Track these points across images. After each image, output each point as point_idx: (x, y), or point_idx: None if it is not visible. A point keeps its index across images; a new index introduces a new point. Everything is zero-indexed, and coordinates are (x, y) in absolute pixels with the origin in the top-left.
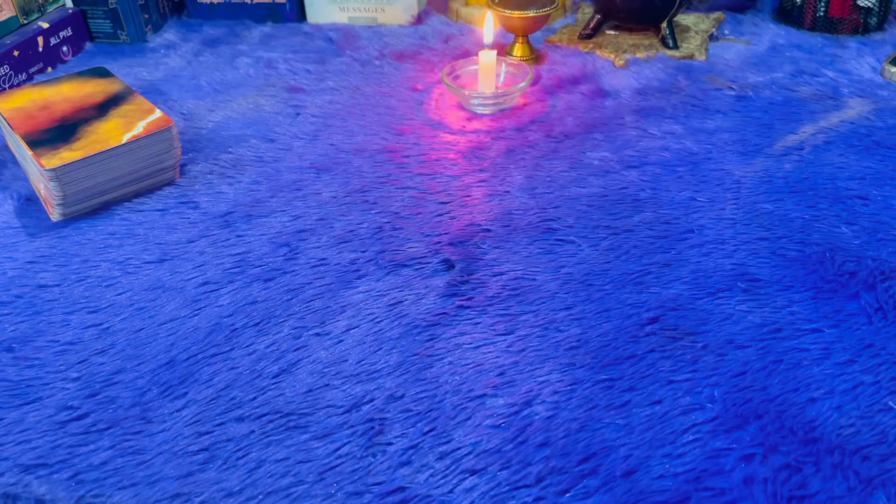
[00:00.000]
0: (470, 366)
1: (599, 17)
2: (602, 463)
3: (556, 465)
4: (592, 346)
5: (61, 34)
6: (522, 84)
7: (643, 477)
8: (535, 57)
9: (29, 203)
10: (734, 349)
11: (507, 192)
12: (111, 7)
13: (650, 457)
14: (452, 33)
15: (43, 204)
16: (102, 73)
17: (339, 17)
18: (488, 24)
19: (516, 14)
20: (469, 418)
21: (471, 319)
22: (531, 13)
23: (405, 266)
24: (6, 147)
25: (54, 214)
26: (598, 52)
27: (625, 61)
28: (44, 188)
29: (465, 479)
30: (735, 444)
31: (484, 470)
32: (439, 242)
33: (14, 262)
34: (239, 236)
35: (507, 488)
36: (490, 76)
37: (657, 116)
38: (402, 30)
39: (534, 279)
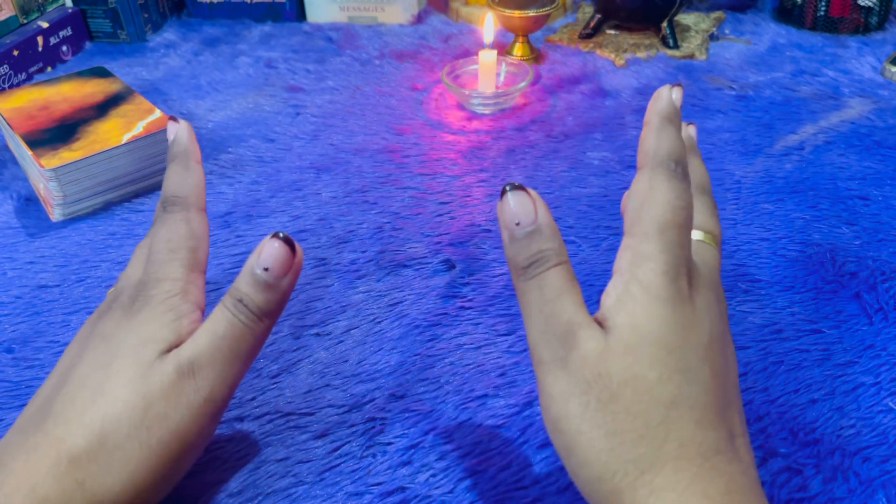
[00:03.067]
0: (471, 366)
1: (600, 16)
2: None
3: (557, 466)
4: None
5: (61, 34)
6: (522, 84)
7: None
8: (536, 56)
9: (28, 203)
10: (735, 350)
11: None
12: (111, 6)
13: None
14: (452, 33)
15: (43, 204)
16: (102, 73)
17: (339, 17)
18: (488, 24)
19: (517, 13)
20: (470, 418)
21: (471, 320)
22: (531, 13)
23: (405, 266)
24: (6, 147)
25: (54, 214)
26: (598, 51)
27: (625, 61)
28: (43, 188)
29: (465, 479)
30: None
31: (485, 470)
32: (440, 242)
33: (14, 262)
34: (239, 236)
35: (507, 488)
36: (490, 76)
37: None
38: (402, 29)
39: None
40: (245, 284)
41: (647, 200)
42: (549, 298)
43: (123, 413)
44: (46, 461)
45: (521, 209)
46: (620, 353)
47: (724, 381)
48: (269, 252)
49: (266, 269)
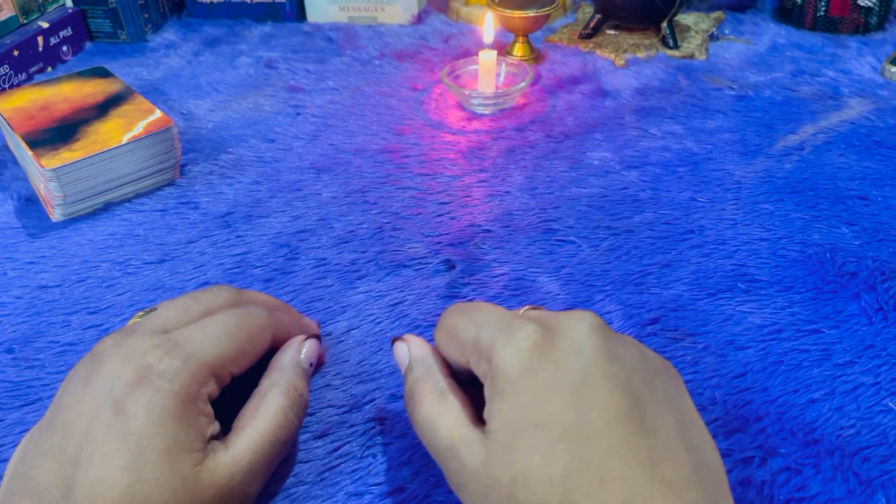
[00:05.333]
0: None
1: (599, 16)
2: None
3: None
4: None
5: (61, 34)
6: (522, 84)
7: None
8: (536, 56)
9: (29, 203)
10: (735, 350)
11: (508, 192)
12: (111, 6)
13: None
14: (452, 33)
15: (43, 204)
16: (102, 73)
17: (339, 17)
18: (488, 24)
19: (517, 14)
20: None
21: None
22: (531, 13)
23: (405, 266)
24: (6, 147)
25: (54, 215)
26: (598, 51)
27: (625, 61)
28: (44, 188)
29: None
30: (735, 446)
31: None
32: (440, 243)
33: (14, 262)
34: (239, 237)
35: None
36: (490, 76)
37: (657, 116)
38: (402, 29)
39: (534, 280)
40: (301, 381)
41: (442, 323)
42: (428, 419)
43: None
44: None
45: (398, 355)
46: (500, 456)
47: (621, 402)
48: (313, 349)
49: (311, 365)
